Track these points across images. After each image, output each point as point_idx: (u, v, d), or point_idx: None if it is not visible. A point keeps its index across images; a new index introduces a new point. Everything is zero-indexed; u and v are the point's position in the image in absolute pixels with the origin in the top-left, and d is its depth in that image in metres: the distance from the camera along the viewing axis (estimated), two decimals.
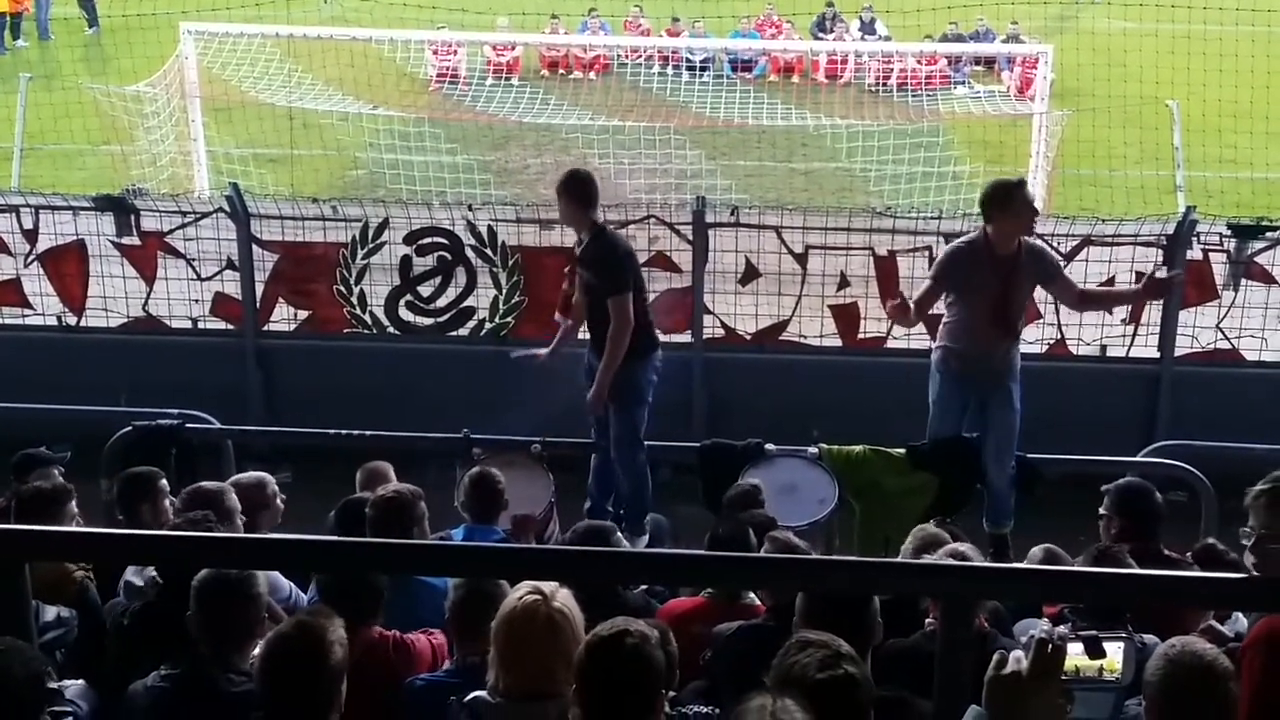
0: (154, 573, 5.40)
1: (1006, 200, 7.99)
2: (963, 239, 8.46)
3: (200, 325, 11.11)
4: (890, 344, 10.65)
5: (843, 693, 3.65)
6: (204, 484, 6.59)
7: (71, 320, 11.14)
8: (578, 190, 8.18)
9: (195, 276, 10.98)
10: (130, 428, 8.76)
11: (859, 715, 3.68)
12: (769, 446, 8.57)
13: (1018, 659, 3.10)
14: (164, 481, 6.71)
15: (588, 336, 8.65)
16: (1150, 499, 6.70)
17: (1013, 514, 8.57)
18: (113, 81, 19.08)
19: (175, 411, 8.97)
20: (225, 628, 4.60)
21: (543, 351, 8.82)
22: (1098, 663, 3.21)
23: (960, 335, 8.28)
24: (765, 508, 7.01)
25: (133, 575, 5.70)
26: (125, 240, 10.97)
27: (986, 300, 8.13)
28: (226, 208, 10.78)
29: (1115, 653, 3.22)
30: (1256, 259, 10.37)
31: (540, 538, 7.78)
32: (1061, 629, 3.13)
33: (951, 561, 5.25)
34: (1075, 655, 3.18)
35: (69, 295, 11.10)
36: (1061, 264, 8.69)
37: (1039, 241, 8.69)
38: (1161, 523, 6.63)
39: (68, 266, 11.05)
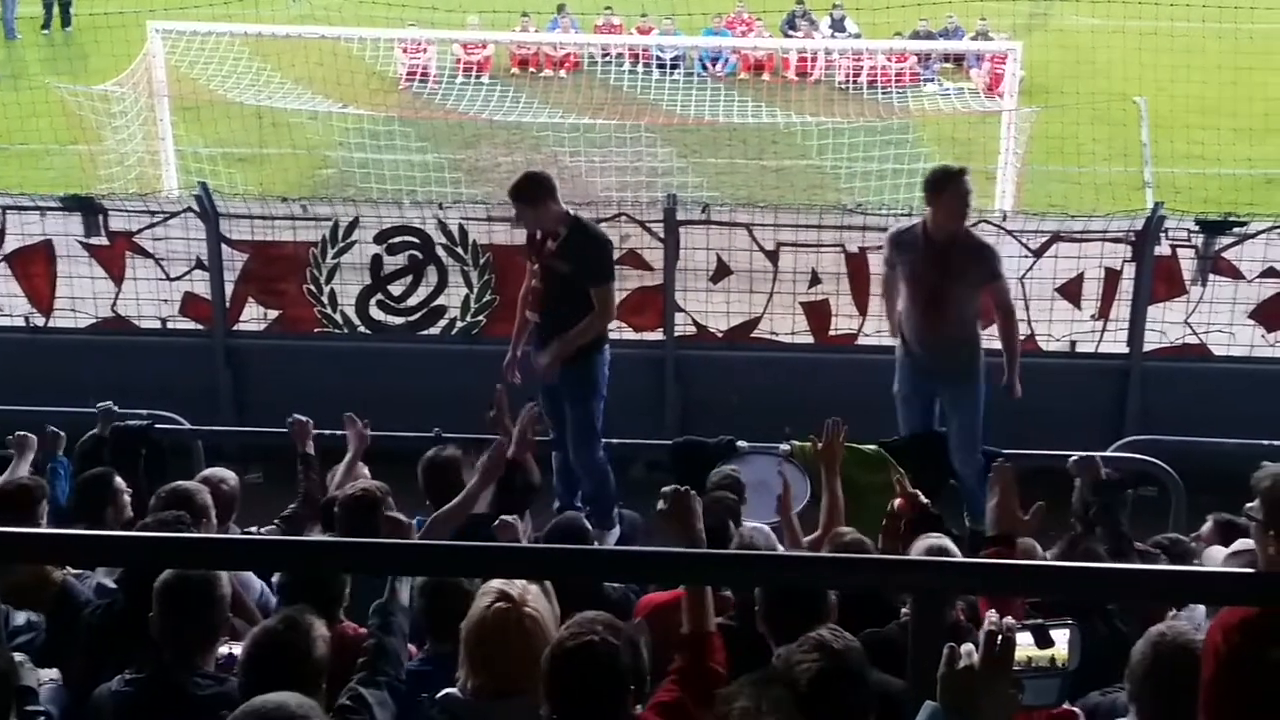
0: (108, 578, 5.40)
1: (939, 186, 8.10)
2: (908, 222, 8.59)
3: (169, 325, 11.04)
4: (861, 341, 10.68)
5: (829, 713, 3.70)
6: (180, 484, 6.53)
7: (39, 321, 11.07)
8: (544, 190, 8.09)
9: (164, 276, 10.92)
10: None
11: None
12: (741, 444, 8.58)
13: (969, 653, 3.13)
14: (119, 479, 6.66)
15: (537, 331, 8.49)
16: (1113, 491, 6.76)
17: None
18: (80, 81, 18.96)
19: (144, 412, 8.91)
20: (188, 630, 4.57)
21: (520, 379, 8.60)
22: (1048, 651, 3.28)
23: (907, 323, 8.42)
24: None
25: (104, 577, 5.68)
26: (93, 240, 10.91)
27: (921, 287, 8.24)
28: (195, 207, 10.72)
29: (1062, 640, 3.30)
30: (1224, 254, 10.44)
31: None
32: (1009, 620, 3.17)
33: (924, 557, 5.26)
34: (1025, 645, 3.24)
35: (37, 296, 11.02)
36: (1000, 274, 8.32)
37: (987, 241, 8.46)
38: (1124, 514, 6.68)
39: (35, 267, 10.98)
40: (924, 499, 6.60)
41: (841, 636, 3.93)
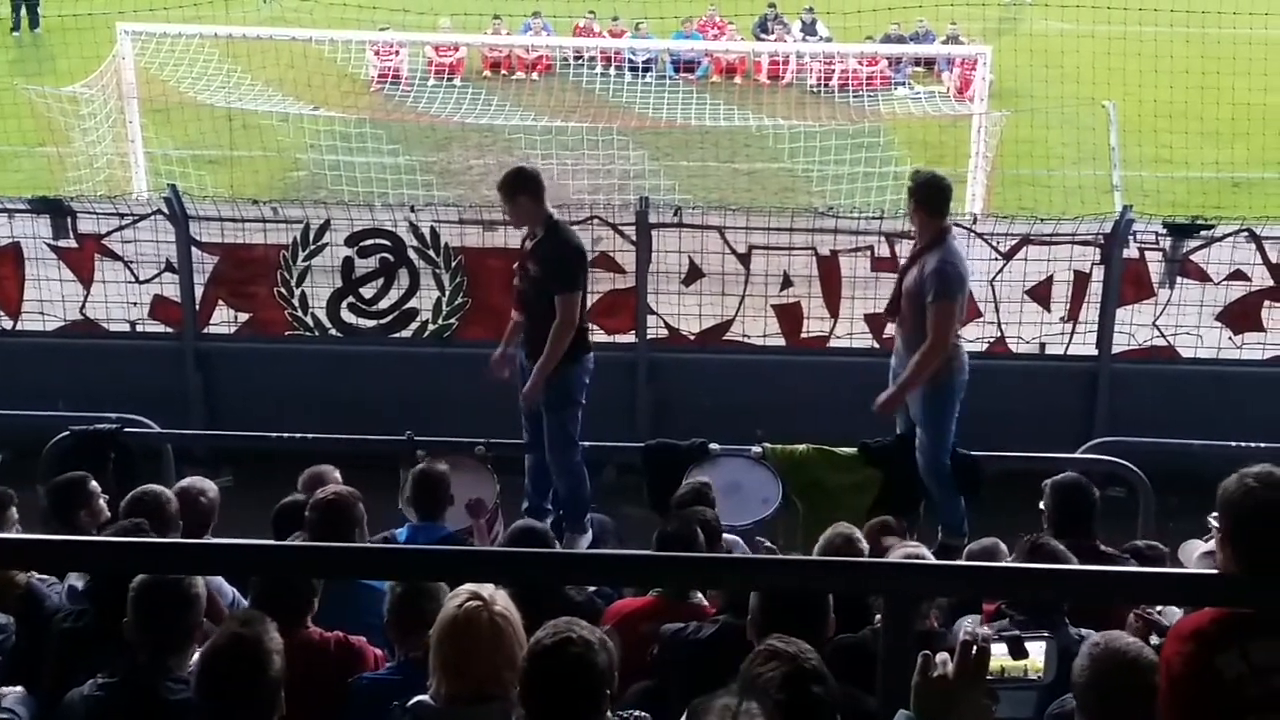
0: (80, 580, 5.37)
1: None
2: None
3: (139, 328, 10.97)
4: (833, 343, 10.71)
5: (804, 713, 3.69)
6: (151, 488, 6.50)
7: (7, 324, 10.98)
8: (531, 186, 8.11)
9: (133, 279, 10.84)
10: (68, 432, 8.65)
11: None
12: (713, 446, 8.60)
13: (943, 662, 3.13)
14: (94, 483, 6.62)
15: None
16: (1085, 494, 6.78)
17: (961, 523, 8.44)
18: (49, 82, 18.84)
19: (114, 416, 8.87)
20: (162, 634, 4.56)
21: (507, 374, 8.57)
22: (1022, 663, 3.28)
23: None
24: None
25: (76, 579, 5.65)
26: (62, 243, 10.83)
27: (894, 293, 8.35)
28: (165, 209, 10.66)
29: (1037, 652, 3.30)
30: (1191, 257, 10.51)
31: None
32: (985, 630, 3.18)
33: (895, 560, 5.29)
34: (999, 656, 3.24)
35: (4, 299, 10.93)
36: (934, 301, 7.96)
37: (945, 261, 8.05)
38: (1096, 517, 6.70)
39: (3, 269, 10.88)
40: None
41: (791, 641, 3.92)
